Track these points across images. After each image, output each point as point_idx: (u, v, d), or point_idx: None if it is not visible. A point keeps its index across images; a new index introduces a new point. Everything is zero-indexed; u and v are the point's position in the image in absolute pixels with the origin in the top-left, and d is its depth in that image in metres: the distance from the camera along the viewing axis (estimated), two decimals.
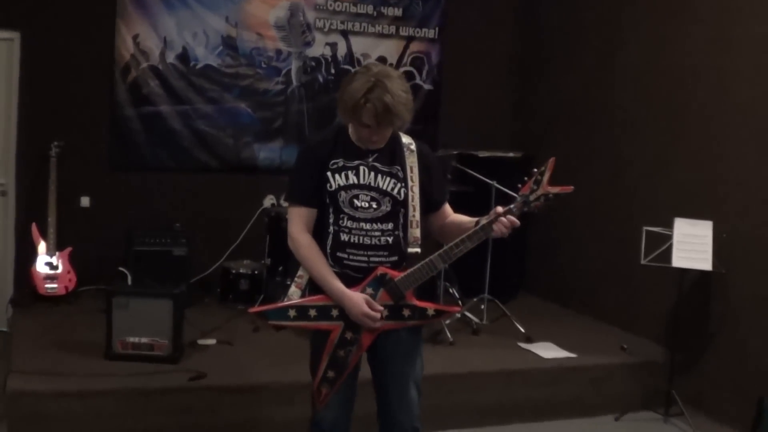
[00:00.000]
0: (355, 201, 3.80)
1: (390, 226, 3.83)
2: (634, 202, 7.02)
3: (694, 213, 5.98)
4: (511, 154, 8.02)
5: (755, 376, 5.79)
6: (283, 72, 7.93)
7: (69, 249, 6.95)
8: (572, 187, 3.79)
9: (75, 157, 7.18)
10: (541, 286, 8.29)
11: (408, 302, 3.81)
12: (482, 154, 7.88)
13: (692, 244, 5.86)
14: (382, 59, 8.17)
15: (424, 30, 8.37)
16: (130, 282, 6.70)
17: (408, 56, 8.35)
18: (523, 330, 6.71)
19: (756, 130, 5.92)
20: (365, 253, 3.80)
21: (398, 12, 8.24)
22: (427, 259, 3.78)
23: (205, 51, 7.64)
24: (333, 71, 8.08)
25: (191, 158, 7.70)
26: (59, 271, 6.87)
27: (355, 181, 3.81)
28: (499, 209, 3.75)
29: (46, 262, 6.85)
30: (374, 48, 8.20)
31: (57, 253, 6.89)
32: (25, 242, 7.01)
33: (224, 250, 7.59)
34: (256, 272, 7.25)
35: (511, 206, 3.77)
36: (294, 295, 3.84)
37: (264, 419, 5.22)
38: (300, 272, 3.88)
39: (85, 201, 7.42)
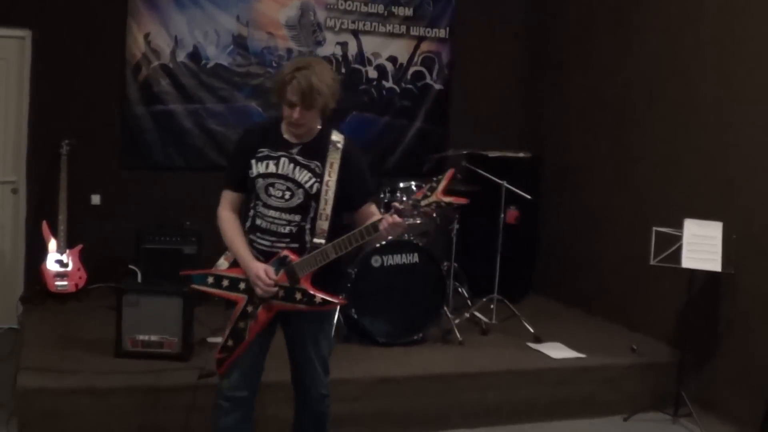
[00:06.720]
0: (270, 189, 4.11)
1: (297, 217, 4.10)
2: (644, 203, 7.01)
3: (703, 214, 5.98)
4: (521, 155, 8.03)
5: (764, 376, 5.77)
6: None
7: (79, 246, 6.97)
8: (467, 200, 4.05)
9: (86, 155, 7.20)
10: (550, 287, 8.29)
11: (301, 286, 4.08)
12: (492, 154, 7.88)
13: (702, 245, 5.86)
14: (392, 59, 8.20)
15: (434, 30, 8.36)
16: (140, 280, 6.71)
17: (418, 56, 8.35)
18: (532, 330, 6.71)
19: (766, 131, 5.91)
20: (269, 238, 4.13)
21: (409, 12, 8.24)
22: (321, 248, 4.04)
23: (216, 50, 7.66)
24: (344, 71, 8.08)
25: (202, 157, 7.71)
26: (70, 268, 6.89)
27: (274, 171, 4.11)
28: (396, 205, 3.96)
29: (56, 259, 6.88)
30: (385, 47, 8.20)
31: (67, 250, 6.91)
32: (36, 240, 7.03)
33: None
34: None
35: (401, 207, 3.94)
36: (221, 266, 4.29)
37: (271, 417, 5.21)
38: None
39: (95, 199, 7.44)
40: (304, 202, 4.08)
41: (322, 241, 4.05)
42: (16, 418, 5.00)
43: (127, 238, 7.12)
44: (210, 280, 4.26)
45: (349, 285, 6.27)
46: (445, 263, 6.87)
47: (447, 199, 3.92)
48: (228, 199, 4.28)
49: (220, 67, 7.70)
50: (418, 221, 6.73)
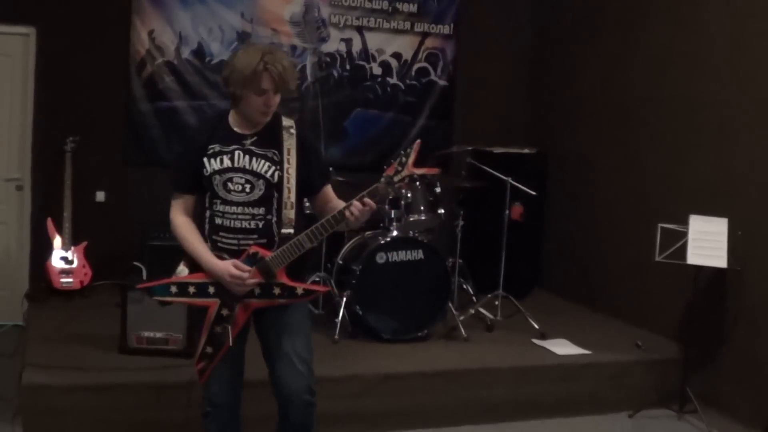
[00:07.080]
0: (229, 184, 3.95)
1: (261, 210, 3.97)
2: (650, 199, 7.00)
3: (709, 210, 5.96)
4: (525, 151, 8.01)
5: None
6: (298, 68, 7.91)
7: (84, 243, 6.97)
8: (438, 169, 4.06)
9: (90, 152, 7.20)
10: (555, 283, 8.28)
11: (278, 281, 3.95)
12: (497, 150, 7.87)
13: (707, 241, 5.84)
14: (397, 55, 8.19)
15: (439, 26, 8.35)
16: (144, 276, 6.71)
17: (423, 52, 8.34)
18: (537, 326, 6.70)
19: None
20: (235, 236, 3.97)
21: (413, 8, 8.23)
22: (294, 239, 3.91)
23: (220, 46, 7.65)
24: (348, 67, 8.08)
25: None
26: (74, 265, 6.89)
27: (230, 165, 3.96)
28: (381, 182, 3.89)
29: (61, 256, 6.88)
30: (389, 44, 8.19)
31: (72, 247, 6.91)
32: (41, 237, 7.03)
33: None
34: None
35: (376, 185, 3.89)
36: (182, 273, 4.06)
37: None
38: None
39: (100, 196, 7.44)
40: (266, 192, 3.95)
41: (291, 230, 3.94)
42: (21, 415, 5.01)
43: (132, 235, 7.13)
44: (173, 289, 4.03)
45: (354, 281, 6.27)
46: (450, 259, 6.86)
47: (419, 171, 3.92)
48: (180, 203, 4.09)
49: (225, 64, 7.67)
50: (423, 218, 6.72)
